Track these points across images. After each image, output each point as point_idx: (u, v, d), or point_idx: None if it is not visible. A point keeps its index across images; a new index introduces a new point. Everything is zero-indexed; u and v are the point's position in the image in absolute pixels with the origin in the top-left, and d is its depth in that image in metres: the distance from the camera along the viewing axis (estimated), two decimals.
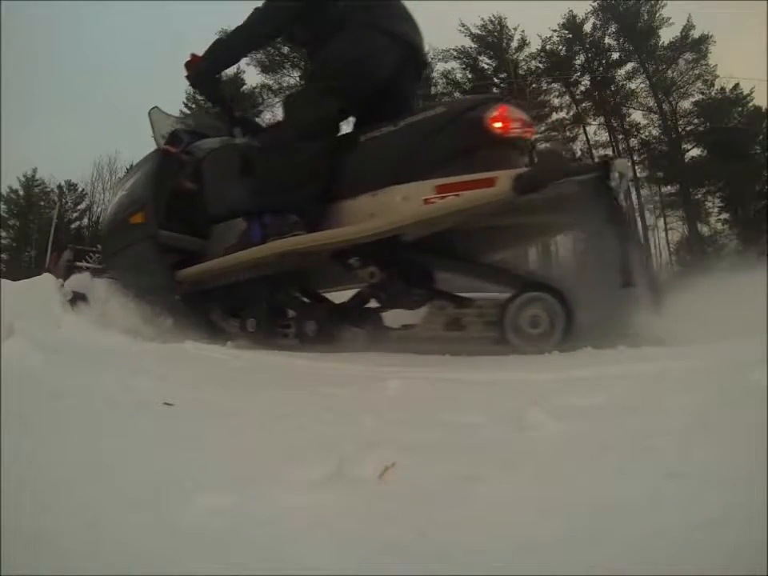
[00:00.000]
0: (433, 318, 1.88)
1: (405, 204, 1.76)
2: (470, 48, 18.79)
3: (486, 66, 19.05)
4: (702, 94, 17.71)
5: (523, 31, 18.45)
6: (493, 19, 18.54)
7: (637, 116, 18.34)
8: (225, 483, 0.56)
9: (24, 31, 28.67)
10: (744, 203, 17.08)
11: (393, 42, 1.93)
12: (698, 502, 0.48)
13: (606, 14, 17.97)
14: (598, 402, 0.87)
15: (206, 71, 2.07)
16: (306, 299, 2.26)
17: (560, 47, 18.57)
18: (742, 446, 0.59)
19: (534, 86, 18.26)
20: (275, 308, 2.13)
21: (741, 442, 0.61)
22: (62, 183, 22.61)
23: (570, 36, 18.37)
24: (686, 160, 17.77)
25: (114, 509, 0.50)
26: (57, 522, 0.47)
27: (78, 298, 2.13)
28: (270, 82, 18.89)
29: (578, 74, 18.60)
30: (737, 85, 17.15)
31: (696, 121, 17.73)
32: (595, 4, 17.91)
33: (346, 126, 2.11)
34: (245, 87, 19.41)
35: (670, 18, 17.36)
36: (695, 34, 17.29)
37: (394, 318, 2.10)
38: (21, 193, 22.60)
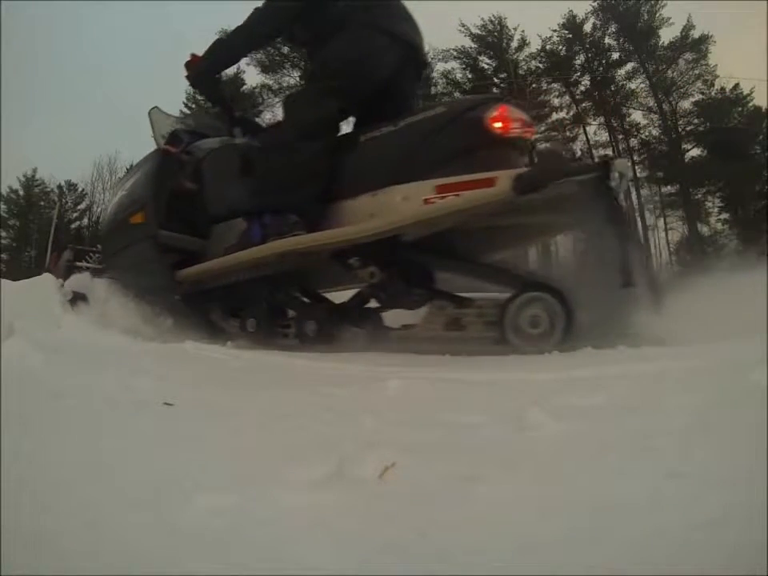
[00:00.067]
0: (433, 318, 1.88)
1: (405, 204, 1.76)
2: (470, 48, 18.81)
3: (486, 66, 19.07)
4: (702, 93, 17.72)
5: (523, 31, 18.48)
6: (493, 19, 18.57)
7: (637, 116, 18.37)
8: (225, 483, 0.56)
9: (24, 31, 28.69)
10: (744, 203, 17.08)
11: (393, 42, 1.93)
12: (698, 502, 0.48)
13: (606, 13, 17.97)
14: (598, 401, 0.87)
15: (205, 71, 2.07)
16: (306, 299, 2.26)
17: (560, 47, 18.59)
18: (742, 446, 0.59)
19: (533, 85, 18.26)
20: (275, 308, 2.13)
21: (741, 442, 0.61)
22: (62, 183, 22.65)
23: (570, 36, 18.37)
24: (686, 160, 17.77)
25: (114, 509, 0.50)
26: (57, 522, 0.47)
27: (77, 298, 2.14)
28: (270, 82, 18.91)
29: (578, 74, 18.61)
30: (737, 85, 17.18)
31: (696, 121, 17.74)
32: (595, 4, 17.94)
33: (347, 126, 2.11)
34: (245, 87, 19.43)
35: (670, 18, 17.39)
36: (695, 33, 17.32)
37: (394, 318, 2.10)
38: (21, 193, 22.61)
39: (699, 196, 17.98)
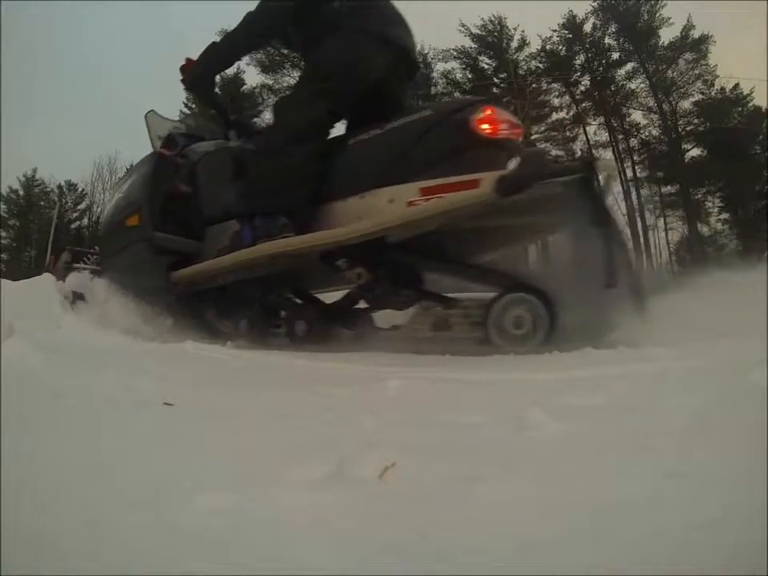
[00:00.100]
0: (419, 319, 1.91)
1: (390, 206, 1.78)
2: (470, 48, 18.82)
3: (486, 66, 19.07)
4: (702, 93, 17.74)
5: (523, 31, 18.49)
6: (493, 19, 18.57)
7: (637, 116, 18.38)
8: (225, 483, 0.56)
9: (24, 31, 28.69)
10: (744, 203, 17.08)
11: (384, 45, 1.94)
12: (698, 502, 0.48)
13: (606, 13, 17.98)
14: (598, 401, 0.87)
15: (200, 75, 2.08)
16: (298, 300, 2.28)
17: (560, 47, 18.60)
18: (742, 446, 0.59)
19: (533, 85, 18.25)
20: (267, 308, 2.14)
21: (741, 441, 0.61)
22: (62, 183, 22.66)
23: (570, 36, 18.37)
24: (686, 160, 17.79)
25: (114, 509, 0.50)
26: (57, 521, 0.46)
27: (77, 298, 2.14)
28: (270, 82, 18.93)
29: (578, 74, 18.62)
30: (737, 85, 17.19)
31: (696, 121, 17.75)
32: (595, 4, 17.95)
33: (340, 128, 2.12)
34: (245, 87, 19.44)
35: (670, 18, 17.41)
36: (695, 33, 17.34)
37: (385, 318, 2.11)
38: (21, 193, 22.61)
39: (699, 196, 18.00)
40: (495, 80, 18.83)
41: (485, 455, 0.66)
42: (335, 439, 0.72)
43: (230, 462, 0.65)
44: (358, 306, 2.16)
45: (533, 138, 17.16)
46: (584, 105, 18.70)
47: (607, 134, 18.52)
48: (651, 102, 18.02)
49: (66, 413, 0.81)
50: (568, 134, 18.62)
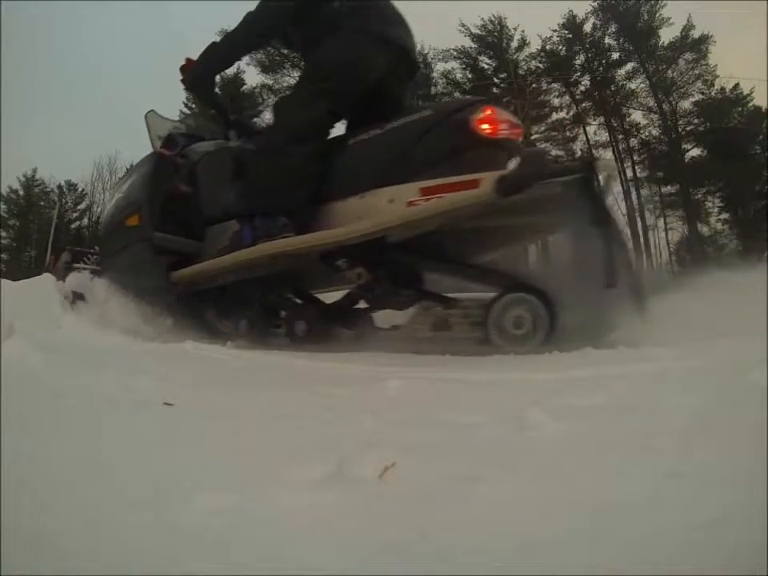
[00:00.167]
0: (419, 319, 1.91)
1: (390, 206, 1.78)
2: (470, 48, 18.82)
3: (486, 66, 19.08)
4: (702, 93, 17.74)
5: (523, 31, 18.49)
6: (493, 19, 18.58)
7: (637, 116, 18.38)
8: (225, 483, 0.56)
9: (24, 31, 28.68)
10: (744, 203, 17.08)
11: (384, 45, 1.94)
12: (698, 502, 0.48)
13: (606, 13, 17.98)
14: (598, 401, 0.87)
15: (200, 75, 2.08)
16: (298, 300, 2.28)
17: (560, 47, 18.60)
18: (742, 446, 0.59)
19: (534, 85, 18.26)
20: (267, 308, 2.15)
21: (741, 441, 0.61)
22: (62, 183, 22.67)
23: (570, 36, 18.37)
24: (686, 160, 17.79)
25: (114, 509, 0.50)
26: (57, 521, 0.46)
27: (77, 298, 2.14)
28: (270, 82, 18.93)
29: (578, 74, 18.62)
30: (737, 85, 17.19)
31: (696, 121, 17.76)
32: (595, 4, 17.95)
33: (341, 128, 2.12)
34: (245, 87, 19.44)
35: (670, 18, 17.41)
36: (695, 33, 17.34)
37: (385, 318, 2.11)
38: (21, 193, 22.62)
39: (699, 196, 18.00)
40: (495, 80, 18.83)
41: (485, 455, 0.66)
42: (335, 439, 0.72)
43: (230, 462, 0.65)
44: (357, 306, 2.16)
45: (533, 138, 17.17)
46: (584, 105, 18.70)
47: (607, 134, 18.54)
48: (651, 102, 18.04)
49: (66, 413, 0.81)
50: (568, 133, 18.62)
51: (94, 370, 1.16)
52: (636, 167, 18.33)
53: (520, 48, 18.74)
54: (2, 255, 22.22)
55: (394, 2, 2.07)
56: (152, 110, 2.40)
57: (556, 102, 18.85)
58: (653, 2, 17.54)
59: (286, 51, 17.03)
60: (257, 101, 19.04)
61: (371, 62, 1.94)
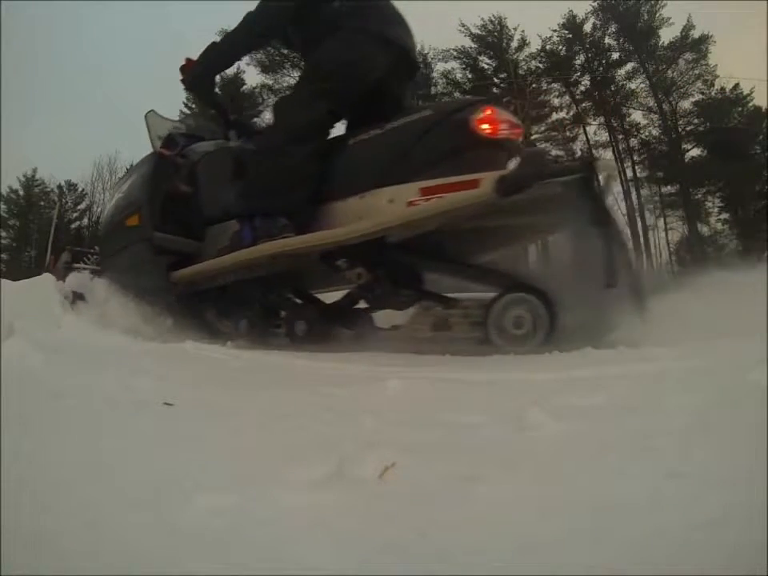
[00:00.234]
0: (419, 319, 1.91)
1: (390, 206, 1.78)
2: (470, 48, 18.82)
3: (486, 66, 19.08)
4: (702, 93, 17.74)
5: (523, 31, 18.49)
6: (493, 19, 18.58)
7: (637, 116, 18.38)
8: (225, 483, 0.56)
9: (24, 31, 28.68)
10: (744, 203, 17.08)
11: (384, 45, 1.94)
12: (698, 502, 0.48)
13: (606, 13, 17.98)
14: (598, 401, 0.87)
15: (200, 75, 2.08)
16: (298, 300, 2.28)
17: (560, 47, 18.60)
18: (742, 446, 0.59)
19: (534, 85, 18.26)
20: (268, 308, 2.15)
21: (741, 441, 0.61)
22: (62, 183, 22.67)
23: (570, 36, 18.38)
24: (686, 160, 17.79)
25: (114, 509, 0.50)
26: (57, 521, 0.46)
27: (77, 298, 2.14)
28: (270, 82, 18.93)
29: (578, 74, 18.62)
30: (737, 85, 17.20)
31: (696, 121, 17.76)
32: (595, 4, 17.96)
33: (341, 128, 2.12)
34: (245, 87, 19.44)
35: (670, 18, 17.42)
36: (695, 33, 17.35)
37: (385, 318, 2.11)
38: (21, 193, 22.62)
39: (699, 196, 18.00)
40: (495, 80, 18.83)
41: (485, 455, 0.66)
42: (335, 439, 0.72)
43: (230, 461, 0.65)
44: (358, 306, 2.16)
45: (533, 137, 17.17)
46: (584, 105, 18.70)
47: (607, 134, 18.54)
48: (651, 102, 18.04)
49: (66, 413, 0.81)
50: (568, 133, 18.62)
51: (94, 370, 1.16)
52: (636, 167, 18.35)
53: (520, 48, 18.76)
54: (2, 255, 22.23)
55: (395, 1, 2.07)
56: (152, 110, 2.40)
57: (556, 101, 18.88)
58: (653, 2, 17.55)
59: (286, 51, 17.04)
60: (257, 101, 19.04)
61: (371, 62, 1.94)
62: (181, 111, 16.96)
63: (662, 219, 18.72)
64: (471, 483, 0.56)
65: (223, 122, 2.36)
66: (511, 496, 0.54)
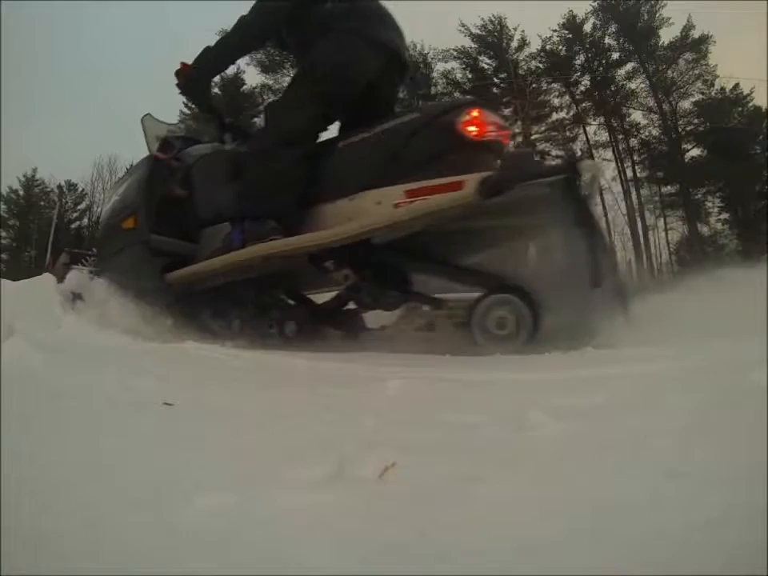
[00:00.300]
0: (405, 319, 1.92)
1: (377, 208, 1.80)
2: (470, 48, 18.83)
3: (486, 66, 19.09)
4: (702, 93, 17.74)
5: (523, 31, 18.51)
6: (493, 19, 18.59)
7: (637, 116, 18.39)
8: (225, 483, 0.56)
9: (24, 31, 28.68)
10: (744, 203, 17.08)
11: (375, 47, 1.95)
12: (698, 502, 0.48)
13: (606, 13, 17.99)
14: (598, 401, 0.87)
15: (196, 79, 2.09)
16: (290, 301, 2.30)
17: (560, 47, 18.61)
18: (742, 446, 0.59)
19: (534, 85, 18.26)
20: (260, 309, 2.16)
21: (741, 441, 0.61)
22: (62, 183, 22.67)
23: (570, 36, 18.38)
24: (686, 160, 17.79)
25: (114, 509, 0.50)
26: (57, 521, 0.46)
27: (77, 299, 2.15)
28: (270, 82, 18.94)
29: (578, 74, 18.62)
30: (737, 85, 17.21)
31: (696, 121, 17.76)
32: (595, 4, 17.97)
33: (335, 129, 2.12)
34: (245, 87, 19.45)
35: (670, 18, 17.42)
36: (695, 33, 17.36)
37: (375, 319, 2.12)
38: (21, 193, 22.63)
39: (699, 196, 18.00)
40: (495, 80, 18.84)
41: (485, 455, 0.66)
42: (335, 439, 0.72)
43: (230, 461, 0.65)
44: (348, 307, 2.17)
45: (533, 138, 17.18)
46: (584, 105, 18.70)
47: (607, 134, 18.54)
48: (651, 102, 18.05)
49: (66, 413, 0.81)
50: (568, 133, 18.63)
51: (94, 370, 1.16)
52: (636, 167, 18.34)
53: (520, 48, 18.78)
54: (2, 255, 22.23)
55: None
56: (148, 114, 2.42)
57: (556, 102, 18.89)
58: (653, 2, 17.56)
59: (284, 52, 17.07)
60: (257, 101, 19.04)
61: (362, 64, 1.95)
62: (180, 111, 16.96)
63: (662, 219, 18.74)
64: (471, 483, 0.56)
65: (218, 125, 2.37)
66: (511, 496, 0.54)
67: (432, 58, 18.49)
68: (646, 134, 18.34)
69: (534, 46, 18.62)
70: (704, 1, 19.11)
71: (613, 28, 18.08)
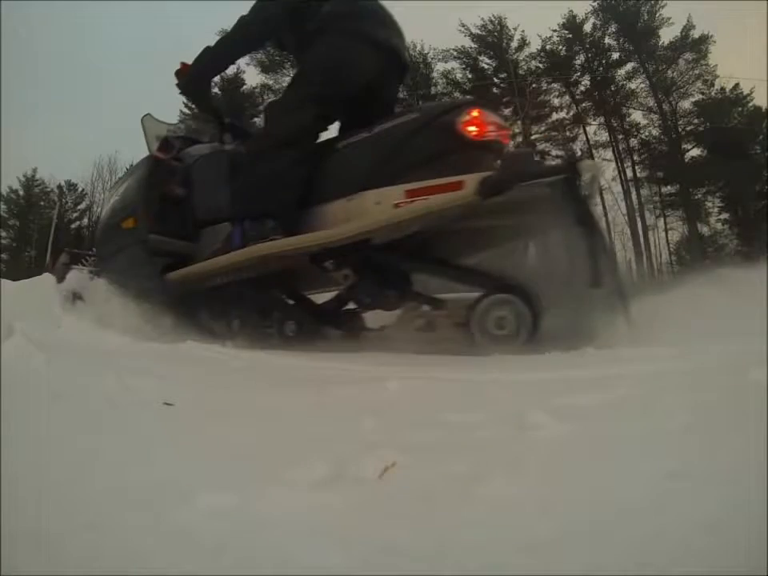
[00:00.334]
0: (405, 320, 1.92)
1: (377, 208, 1.80)
2: (470, 48, 18.83)
3: (486, 66, 19.08)
4: (702, 93, 17.73)
5: (523, 31, 18.50)
6: (493, 19, 18.58)
7: (637, 116, 18.38)
8: (225, 483, 0.56)
9: (24, 31, 28.67)
10: (744, 203, 17.08)
11: (374, 47, 1.94)
12: (698, 502, 0.48)
13: (606, 14, 17.98)
14: (598, 401, 0.87)
15: (195, 79, 2.09)
16: (290, 301, 2.30)
17: (560, 47, 18.60)
18: (741, 446, 0.59)
19: (534, 85, 18.26)
20: (260, 309, 2.16)
21: (741, 442, 0.61)
22: (62, 183, 22.65)
23: (570, 36, 18.38)
24: (686, 160, 17.78)
25: (113, 509, 0.50)
26: (57, 522, 0.46)
27: (76, 298, 2.15)
28: (270, 82, 18.93)
29: (578, 74, 18.62)
30: (737, 85, 17.20)
31: (696, 121, 17.75)
32: (595, 4, 17.95)
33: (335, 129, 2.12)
34: (245, 87, 19.45)
35: (669, 18, 17.41)
36: (695, 34, 17.35)
37: (376, 319, 2.12)
38: (21, 193, 22.61)
39: (699, 196, 17.99)
40: (495, 80, 18.84)
41: (485, 455, 0.66)
42: (335, 439, 0.72)
43: (230, 461, 0.65)
44: (348, 307, 2.17)
45: (533, 138, 17.18)
46: (584, 105, 18.70)
47: (607, 134, 18.53)
48: (651, 102, 18.04)
49: (66, 413, 0.81)
50: (568, 133, 18.63)
51: (94, 370, 1.16)
52: (636, 167, 18.34)
53: (520, 48, 18.77)
54: (2, 255, 22.23)
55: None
56: (148, 114, 2.42)
57: (556, 101, 18.87)
58: (653, 2, 17.55)
59: (284, 52, 17.06)
60: (257, 101, 19.04)
61: (360, 65, 1.95)
62: (181, 111, 16.97)
63: (662, 219, 18.73)
64: (471, 483, 0.56)
65: (218, 125, 2.37)
66: (511, 496, 0.54)
67: (432, 58, 18.52)
68: (646, 134, 18.36)
69: (534, 46, 18.65)
70: (704, 1, 19.14)
71: (613, 28, 18.07)
